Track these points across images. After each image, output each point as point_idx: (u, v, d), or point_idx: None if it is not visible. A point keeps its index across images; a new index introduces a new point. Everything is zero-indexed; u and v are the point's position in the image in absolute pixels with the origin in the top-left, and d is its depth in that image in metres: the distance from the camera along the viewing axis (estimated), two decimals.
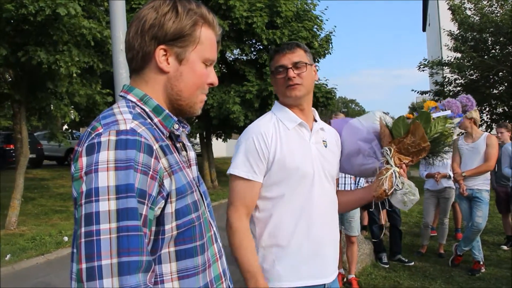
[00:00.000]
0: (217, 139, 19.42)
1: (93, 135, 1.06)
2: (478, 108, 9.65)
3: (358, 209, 5.29)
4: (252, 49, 16.32)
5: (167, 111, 1.21)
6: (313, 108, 2.09)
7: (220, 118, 14.60)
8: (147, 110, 1.19)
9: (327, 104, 16.15)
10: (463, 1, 15.93)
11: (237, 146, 1.94)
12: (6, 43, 7.76)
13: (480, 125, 10.94)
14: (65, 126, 13.20)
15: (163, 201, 1.10)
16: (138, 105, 1.19)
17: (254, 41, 15.95)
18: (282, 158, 1.88)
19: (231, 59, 16.52)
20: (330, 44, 16.94)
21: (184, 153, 1.28)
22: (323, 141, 2.02)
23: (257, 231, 1.91)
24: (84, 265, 0.96)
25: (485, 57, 14.97)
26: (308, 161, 1.92)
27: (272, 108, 2.08)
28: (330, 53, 17.03)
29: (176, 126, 1.22)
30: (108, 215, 0.98)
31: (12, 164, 15.77)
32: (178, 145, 1.26)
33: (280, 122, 1.96)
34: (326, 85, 16.53)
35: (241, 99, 14.43)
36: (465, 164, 5.44)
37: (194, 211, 1.18)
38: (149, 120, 1.17)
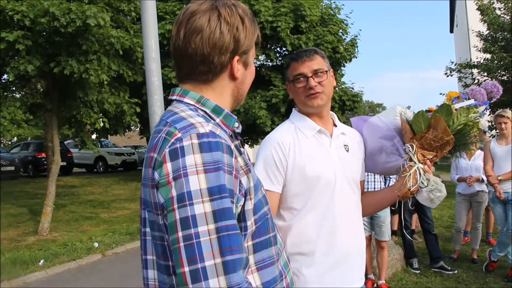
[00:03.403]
0: (243, 145, 19.47)
1: (172, 140, 1.07)
2: (510, 110, 9.38)
3: (389, 214, 5.21)
4: (278, 55, 16.35)
5: (226, 110, 1.23)
6: (332, 113, 2.04)
7: (247, 124, 14.64)
8: (207, 111, 1.20)
9: (353, 107, 16.04)
10: (492, 1, 15.59)
11: (257, 157, 1.92)
12: (39, 54, 7.99)
13: None
14: (94, 135, 13.46)
15: (243, 198, 1.13)
16: (198, 108, 1.20)
17: (279, 46, 15.97)
18: (302, 167, 1.84)
19: (256, 65, 16.57)
20: (356, 48, 16.83)
21: (242, 149, 1.30)
22: (345, 145, 1.97)
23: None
24: (186, 269, 0.98)
25: None
26: (329, 168, 1.87)
27: (290, 116, 2.04)
28: (356, 57, 16.92)
29: (236, 124, 1.25)
30: (205, 217, 1.00)
31: (44, 171, 16.20)
32: (237, 142, 1.26)
33: (298, 130, 1.92)
34: (352, 88, 16.43)
35: (267, 104, 14.44)
36: (499, 167, 5.30)
37: (265, 204, 1.23)
38: (213, 121, 1.18)
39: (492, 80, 13.79)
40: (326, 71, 1.91)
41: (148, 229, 1.17)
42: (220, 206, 1.01)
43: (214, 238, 0.99)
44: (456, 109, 1.96)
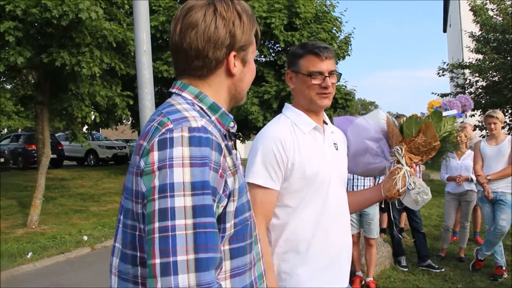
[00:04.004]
0: (235, 145, 19.46)
1: (163, 130, 1.06)
2: (501, 111, 9.48)
3: (377, 211, 5.24)
4: (271, 51, 16.34)
5: (223, 109, 1.22)
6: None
7: (239, 119, 14.64)
8: (204, 108, 1.19)
9: (346, 106, 16.08)
10: (485, 2, 15.67)
11: (253, 152, 1.85)
12: (30, 45, 7.92)
13: (503, 127, 10.76)
14: (85, 128, 13.41)
15: (226, 199, 1.11)
16: (195, 103, 1.19)
17: (272, 42, 15.97)
18: (301, 164, 1.82)
19: None
20: (349, 46, 16.88)
21: (234, 151, 1.28)
22: (334, 143, 1.98)
23: (272, 237, 1.85)
24: (157, 261, 0.96)
25: (508, 58, 14.69)
26: (324, 166, 1.87)
27: (283, 110, 2.00)
28: (350, 55, 16.97)
29: (232, 124, 1.24)
30: (184, 211, 0.98)
31: (34, 164, 16.09)
32: (230, 143, 1.25)
33: (295, 126, 1.89)
34: (345, 86, 16.46)
35: (259, 100, 14.45)
36: (488, 167, 5.35)
37: (247, 209, 1.21)
38: (208, 118, 1.17)
39: (483, 80, 13.85)
40: (339, 74, 1.93)
41: (121, 216, 1.17)
42: (201, 202, 1.00)
43: (190, 233, 0.97)
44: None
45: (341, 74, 1.94)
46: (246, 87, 1.31)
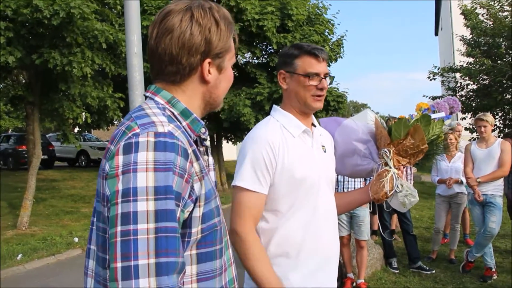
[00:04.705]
0: (227, 142, 19.44)
1: (129, 135, 1.07)
2: (491, 114, 9.55)
3: (368, 213, 5.25)
4: (263, 53, 16.35)
5: (194, 115, 1.22)
6: None
7: (231, 121, 14.63)
8: (175, 113, 1.20)
9: (338, 108, 16.09)
10: (474, 6, 15.80)
11: (242, 155, 1.84)
12: (21, 45, 7.87)
13: (493, 130, 10.85)
14: (76, 128, 13.33)
15: (192, 204, 1.11)
16: (167, 108, 1.20)
17: (265, 44, 15.97)
18: (290, 168, 1.81)
19: (242, 62, 16.53)
20: (342, 48, 16.92)
21: (205, 157, 1.28)
22: (322, 146, 1.98)
23: (262, 242, 1.83)
24: (119, 264, 0.97)
25: (499, 62, 14.81)
26: (313, 169, 1.87)
27: (272, 112, 1.98)
28: (342, 57, 17.02)
29: (203, 130, 1.24)
30: (146, 216, 0.99)
31: (24, 165, 15.96)
32: (201, 149, 1.25)
33: (284, 129, 1.88)
34: (337, 89, 16.49)
35: (252, 102, 14.44)
36: (479, 169, 5.39)
37: (216, 215, 1.21)
38: (177, 123, 1.17)
39: (474, 84, 13.95)
40: (332, 76, 1.94)
41: (95, 219, 1.17)
42: (164, 206, 1.01)
43: (152, 237, 0.98)
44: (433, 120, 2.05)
45: (334, 77, 1.94)
46: (222, 94, 1.31)
